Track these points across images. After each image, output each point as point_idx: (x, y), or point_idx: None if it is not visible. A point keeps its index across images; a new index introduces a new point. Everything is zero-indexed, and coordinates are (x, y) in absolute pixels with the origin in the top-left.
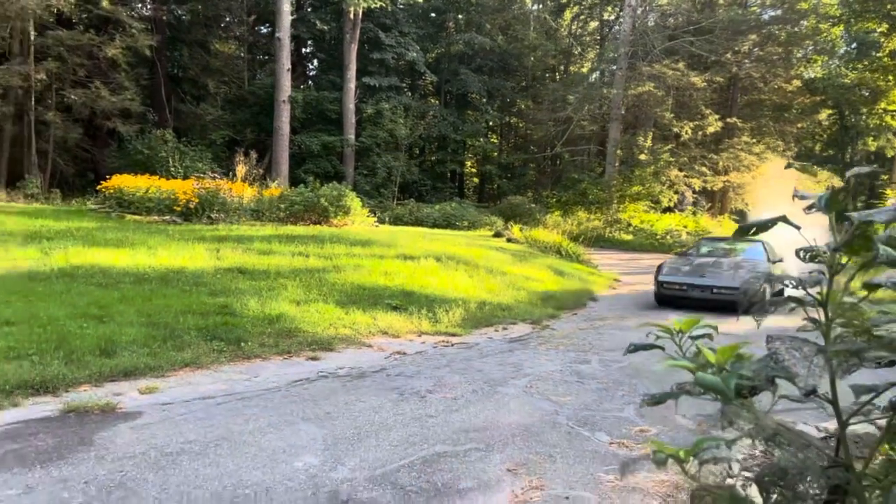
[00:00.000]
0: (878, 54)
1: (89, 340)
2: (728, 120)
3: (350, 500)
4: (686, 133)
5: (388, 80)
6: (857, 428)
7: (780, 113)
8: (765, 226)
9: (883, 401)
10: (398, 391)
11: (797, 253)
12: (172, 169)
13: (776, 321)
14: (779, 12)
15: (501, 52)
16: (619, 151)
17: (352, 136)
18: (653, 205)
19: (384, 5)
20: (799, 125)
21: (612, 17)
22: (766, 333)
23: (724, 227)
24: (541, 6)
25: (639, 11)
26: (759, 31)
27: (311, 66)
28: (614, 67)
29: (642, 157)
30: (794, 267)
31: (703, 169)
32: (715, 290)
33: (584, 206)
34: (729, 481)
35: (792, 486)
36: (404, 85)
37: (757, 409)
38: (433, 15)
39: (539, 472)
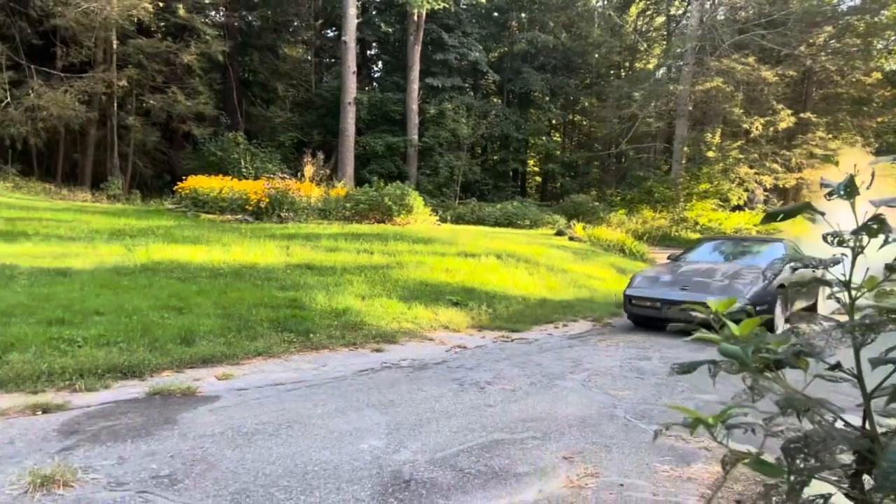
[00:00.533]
0: None
1: (170, 330)
2: (802, 115)
3: (412, 479)
4: (756, 129)
5: (450, 80)
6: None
7: (858, 107)
8: (792, 212)
9: None
10: (458, 382)
11: (824, 237)
12: (244, 170)
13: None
14: (857, 2)
15: (565, 49)
16: (685, 148)
17: (415, 137)
18: (721, 203)
19: (447, 6)
20: (880, 119)
21: (680, 12)
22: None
23: (796, 225)
24: (606, 2)
25: (707, 5)
26: (835, 23)
27: (375, 69)
28: (681, 63)
29: (710, 154)
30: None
31: (775, 166)
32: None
33: (649, 205)
34: (751, 448)
35: (817, 455)
36: (467, 85)
37: (786, 382)
38: (496, 14)
39: (594, 461)
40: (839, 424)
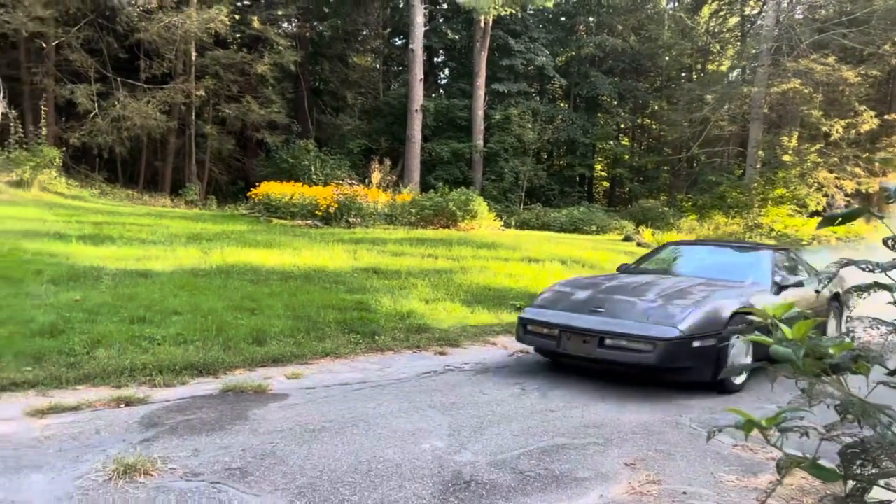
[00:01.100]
0: None
1: (243, 330)
2: (887, 116)
3: (472, 480)
4: (837, 132)
5: (516, 85)
6: None
7: None
8: (850, 216)
9: None
10: (520, 386)
11: (885, 242)
12: (314, 176)
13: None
14: None
15: (633, 52)
16: (760, 152)
17: (480, 142)
18: (798, 209)
19: (514, 12)
20: None
21: (755, 12)
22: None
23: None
24: (676, 4)
25: (784, 5)
26: None
27: (442, 76)
28: (756, 64)
29: (787, 158)
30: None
31: (857, 170)
32: (608, 342)
33: (721, 210)
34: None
35: (875, 461)
36: (533, 90)
37: (845, 387)
38: (563, 19)
39: (657, 468)
40: None
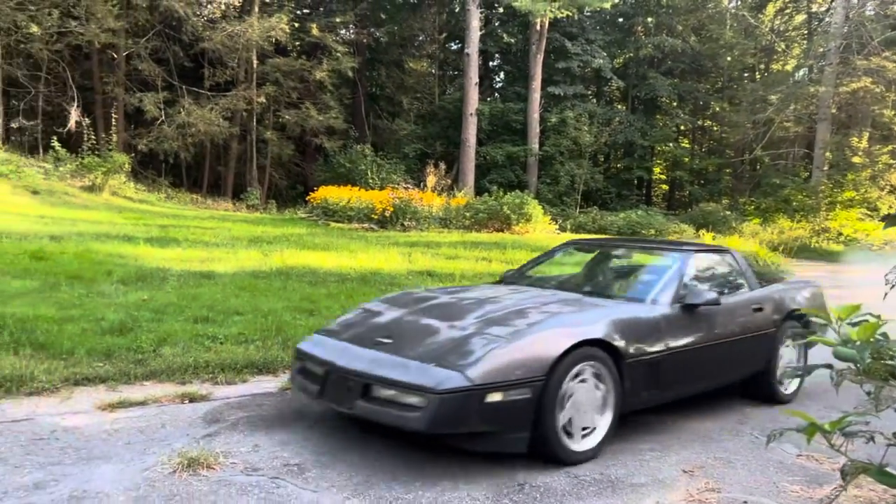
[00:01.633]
0: None
1: (301, 330)
2: None
3: (526, 483)
4: None
5: (573, 88)
6: None
7: None
8: None
9: None
10: None
11: None
12: (370, 181)
13: None
14: None
15: (694, 53)
16: (828, 154)
17: (535, 146)
18: (869, 212)
19: (570, 14)
20: None
21: (822, 9)
22: None
23: None
24: (739, 3)
25: (854, 1)
26: None
27: (497, 79)
28: (823, 63)
29: (856, 159)
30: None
31: None
32: (374, 392)
33: (786, 214)
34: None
35: None
36: (589, 92)
37: None
38: (621, 20)
39: (717, 476)
40: None
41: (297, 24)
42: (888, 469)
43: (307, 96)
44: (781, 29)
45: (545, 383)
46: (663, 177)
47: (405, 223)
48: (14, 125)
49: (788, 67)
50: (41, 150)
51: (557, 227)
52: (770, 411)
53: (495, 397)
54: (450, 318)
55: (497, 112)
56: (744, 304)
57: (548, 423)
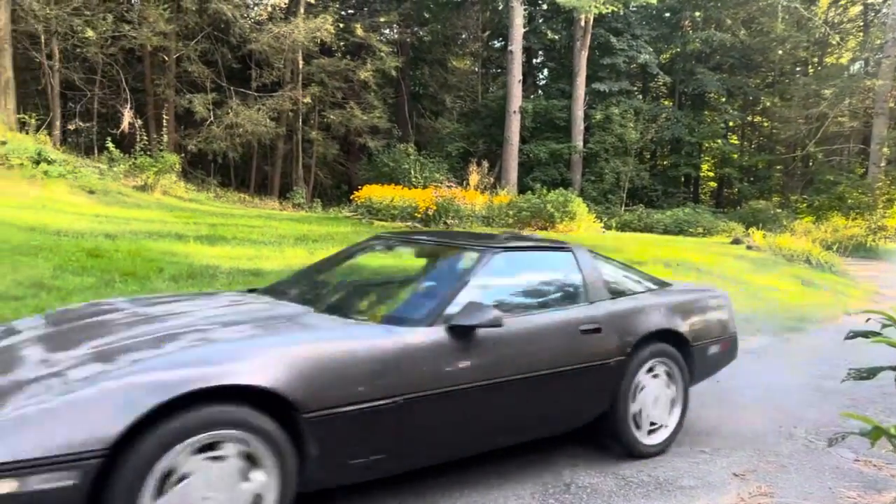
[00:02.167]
0: None
1: None
2: None
3: (572, 483)
4: None
5: (618, 84)
6: None
7: None
8: None
9: None
10: None
11: None
12: (414, 179)
13: None
14: None
15: (743, 47)
16: (885, 149)
17: (579, 143)
18: None
19: (616, 10)
20: None
21: (880, 0)
22: None
23: None
24: None
25: None
26: None
27: (540, 76)
28: (880, 56)
29: None
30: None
31: None
32: None
33: (840, 212)
34: None
35: None
36: (635, 88)
37: None
38: (667, 14)
39: (769, 481)
40: None
41: (341, 25)
42: None
43: (351, 96)
44: (836, 21)
45: (107, 461)
46: (711, 174)
47: (448, 221)
48: (71, 127)
49: (843, 60)
50: (96, 151)
51: (602, 225)
52: (823, 415)
53: (8, 487)
54: (61, 348)
55: (540, 109)
56: (565, 324)
57: None
